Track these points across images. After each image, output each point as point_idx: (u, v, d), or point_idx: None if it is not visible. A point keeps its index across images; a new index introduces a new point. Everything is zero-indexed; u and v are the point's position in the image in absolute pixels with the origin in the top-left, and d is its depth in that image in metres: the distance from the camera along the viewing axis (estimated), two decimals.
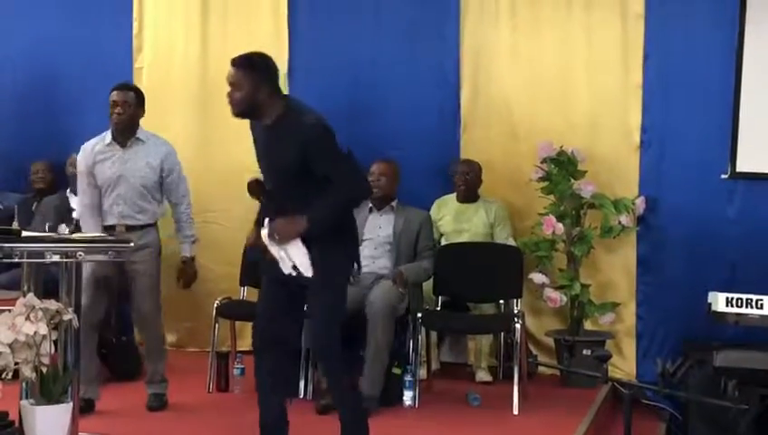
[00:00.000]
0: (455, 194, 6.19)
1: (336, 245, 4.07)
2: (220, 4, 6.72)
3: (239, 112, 4.05)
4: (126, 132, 5.04)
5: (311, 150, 3.95)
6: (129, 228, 4.98)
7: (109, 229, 4.95)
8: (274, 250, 4.00)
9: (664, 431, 5.61)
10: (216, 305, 5.60)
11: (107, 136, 5.08)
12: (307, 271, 3.98)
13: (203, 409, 5.23)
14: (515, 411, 5.18)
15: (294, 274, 3.99)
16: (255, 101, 4.00)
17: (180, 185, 5.16)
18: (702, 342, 5.54)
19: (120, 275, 5.02)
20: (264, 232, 4.02)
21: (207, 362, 5.58)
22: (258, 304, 4.28)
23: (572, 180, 6.02)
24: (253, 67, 4.04)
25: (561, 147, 6.05)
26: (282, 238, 3.97)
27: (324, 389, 4.86)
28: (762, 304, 4.46)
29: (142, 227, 5.02)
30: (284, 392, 4.17)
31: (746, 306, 4.48)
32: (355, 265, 4.29)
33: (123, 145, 5.04)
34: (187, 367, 5.92)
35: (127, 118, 5.01)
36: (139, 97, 5.09)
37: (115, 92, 5.03)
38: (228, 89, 4.03)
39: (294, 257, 3.99)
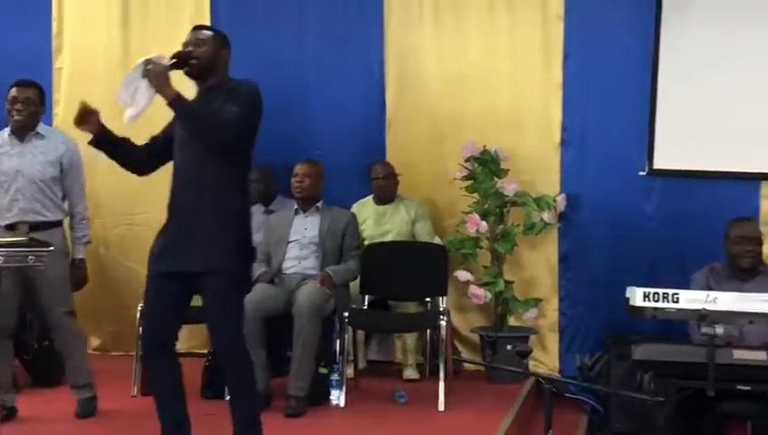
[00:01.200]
0: (371, 197, 6.24)
1: (241, 246, 4.05)
2: (141, 4, 6.67)
3: (199, 69, 4.01)
4: (26, 129, 4.92)
5: (236, 95, 3.97)
6: (33, 227, 4.84)
7: (10, 229, 4.83)
8: (130, 80, 3.93)
9: (586, 424, 5.73)
10: (140, 308, 5.53)
11: (5, 131, 4.96)
12: (129, 117, 3.95)
13: (128, 413, 5.18)
14: (441, 408, 5.23)
15: (126, 103, 3.95)
16: (215, 61, 4.05)
17: (78, 183, 5.04)
18: (622, 335, 5.65)
19: (23, 279, 4.80)
20: (141, 60, 3.94)
21: (132, 366, 5.53)
22: (146, 307, 4.17)
23: (496, 179, 6.11)
24: (218, 32, 4.16)
25: (485, 146, 6.13)
26: (152, 72, 3.87)
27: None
28: (678, 298, 4.54)
29: (46, 225, 4.87)
30: (183, 396, 4.13)
31: (663, 300, 4.55)
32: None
33: (22, 140, 4.92)
34: (111, 371, 5.85)
35: (28, 115, 4.89)
36: (41, 94, 4.98)
37: (15, 89, 4.90)
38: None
39: (139, 99, 3.92)
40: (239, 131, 3.97)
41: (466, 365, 6.21)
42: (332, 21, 6.50)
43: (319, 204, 5.69)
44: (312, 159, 5.78)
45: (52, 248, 4.18)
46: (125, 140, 4.20)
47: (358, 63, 6.46)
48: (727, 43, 5.91)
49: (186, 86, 4.06)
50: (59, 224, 4.97)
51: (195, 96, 4.06)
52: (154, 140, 4.21)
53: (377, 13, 6.40)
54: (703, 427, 4.79)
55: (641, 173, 6.10)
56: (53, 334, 5.09)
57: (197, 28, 4.17)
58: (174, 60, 3.97)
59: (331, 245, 5.57)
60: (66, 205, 5.06)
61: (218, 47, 4.07)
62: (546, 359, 6.23)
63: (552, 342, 6.26)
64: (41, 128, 4.98)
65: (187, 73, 4.04)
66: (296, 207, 5.71)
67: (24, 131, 4.92)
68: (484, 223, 6.03)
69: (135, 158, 4.23)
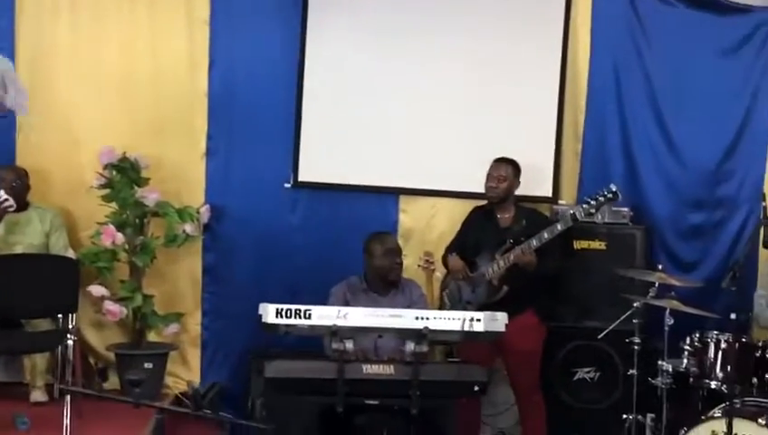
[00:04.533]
0: None
1: None
2: None
3: None
4: None
5: None
6: None
7: None
8: None
9: None
10: None
11: None
12: None
13: None
14: (66, 433, 4.86)
15: None
16: None
17: None
18: (263, 351, 5.53)
19: None
20: None
21: None
22: None
23: (136, 188, 5.80)
24: None
25: (125, 153, 5.81)
26: None
27: None
28: (309, 314, 4.49)
29: None
30: None
31: (295, 317, 4.50)
32: None
33: None
34: None
35: None
36: None
37: None
38: None
39: None
40: None
41: (106, 383, 5.88)
42: None
43: None
44: None
45: None
46: None
47: None
48: (367, 61, 6.01)
49: None
50: None
51: None
52: None
53: (8, 3, 5.87)
54: None
55: (287, 185, 6.05)
56: None
57: None
58: None
59: None
60: None
61: None
62: (188, 374, 6.03)
63: (194, 357, 6.08)
64: None
65: None
66: None
67: None
68: (120, 234, 5.69)
69: None
